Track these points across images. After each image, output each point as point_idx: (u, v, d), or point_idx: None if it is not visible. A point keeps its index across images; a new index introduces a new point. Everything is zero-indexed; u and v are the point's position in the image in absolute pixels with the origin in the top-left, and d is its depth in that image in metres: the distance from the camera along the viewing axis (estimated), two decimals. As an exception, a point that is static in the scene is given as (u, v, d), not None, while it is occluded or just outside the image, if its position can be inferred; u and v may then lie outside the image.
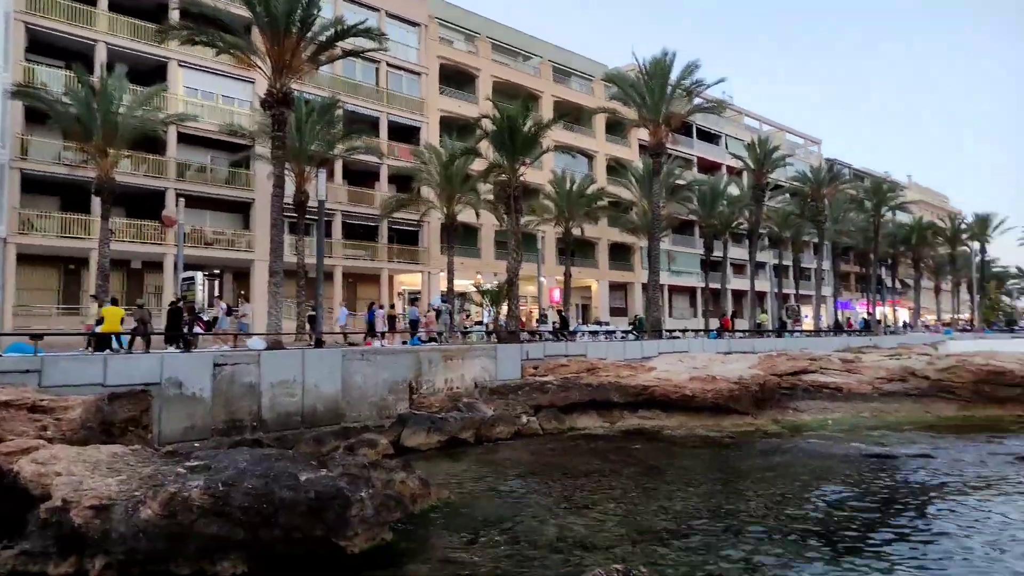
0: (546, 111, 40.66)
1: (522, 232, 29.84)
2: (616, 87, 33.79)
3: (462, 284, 36.96)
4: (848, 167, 70.22)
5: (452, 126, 38.11)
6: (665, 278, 46.79)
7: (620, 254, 48.76)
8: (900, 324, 65.75)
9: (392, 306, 31.02)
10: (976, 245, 69.09)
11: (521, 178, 28.67)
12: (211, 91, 31.13)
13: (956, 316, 71.20)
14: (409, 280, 38.98)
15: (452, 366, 21.29)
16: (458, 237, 33.05)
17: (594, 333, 32.93)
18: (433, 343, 24.12)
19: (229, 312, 21.90)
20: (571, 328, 32.58)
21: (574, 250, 40.21)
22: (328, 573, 9.02)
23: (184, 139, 29.77)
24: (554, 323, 32.26)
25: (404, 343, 23.84)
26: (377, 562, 9.18)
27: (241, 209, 32.19)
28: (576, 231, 38.32)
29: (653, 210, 33.98)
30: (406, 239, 37.42)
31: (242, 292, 28.49)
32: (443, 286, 32.52)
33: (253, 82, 29.88)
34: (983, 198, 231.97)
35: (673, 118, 32.38)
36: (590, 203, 38.30)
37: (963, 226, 69.24)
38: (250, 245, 30.78)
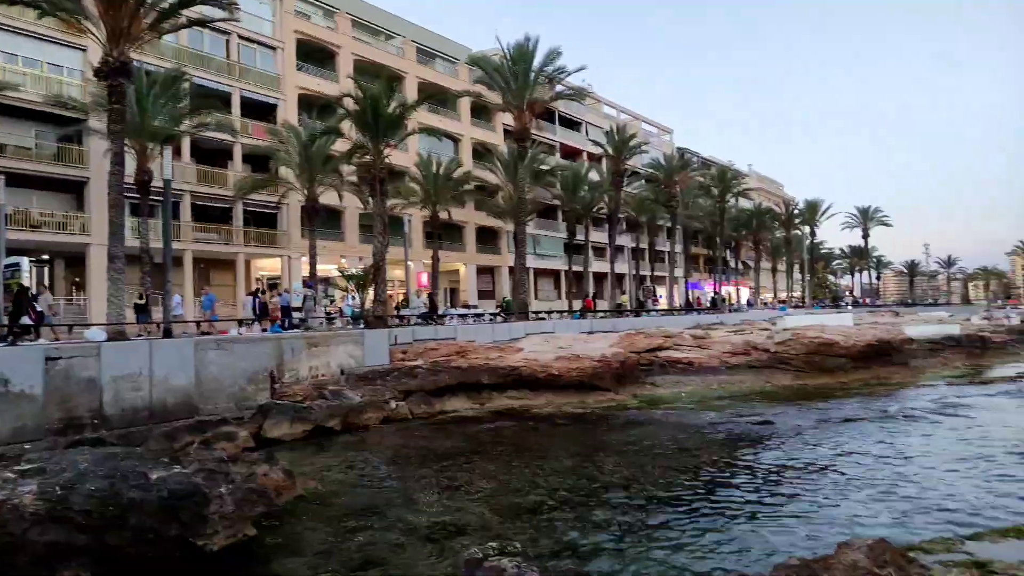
0: (410, 92, 40.00)
1: (388, 215, 29.25)
2: (481, 71, 33.84)
3: (325, 269, 35.74)
4: (697, 156, 74.80)
5: (312, 105, 36.57)
6: (531, 261, 47.73)
7: (487, 238, 49.14)
8: (743, 302, 71.13)
9: (263, 292, 29.44)
10: (807, 229, 76.17)
11: (386, 160, 28.05)
12: (35, 58, 27.89)
13: (790, 294, 78.12)
14: (268, 265, 37.15)
15: (317, 353, 20.56)
16: (320, 220, 31.87)
17: (463, 316, 33.02)
18: (296, 330, 23.17)
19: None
20: (440, 312, 32.47)
21: (441, 234, 40.00)
22: (185, 573, 8.44)
23: (3, 111, 26.52)
24: (423, 306, 31.98)
25: (264, 331, 22.73)
26: (239, 559, 8.72)
27: (74, 189, 29.13)
28: (443, 215, 38.10)
29: (519, 194, 34.48)
30: (264, 222, 35.54)
31: (76, 280, 25.92)
32: (305, 271, 31.29)
33: (85, 50, 27.11)
34: (811, 186, 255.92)
35: (537, 104, 32.93)
36: (457, 187, 38.22)
37: (796, 212, 75.94)
38: (85, 228, 27.99)
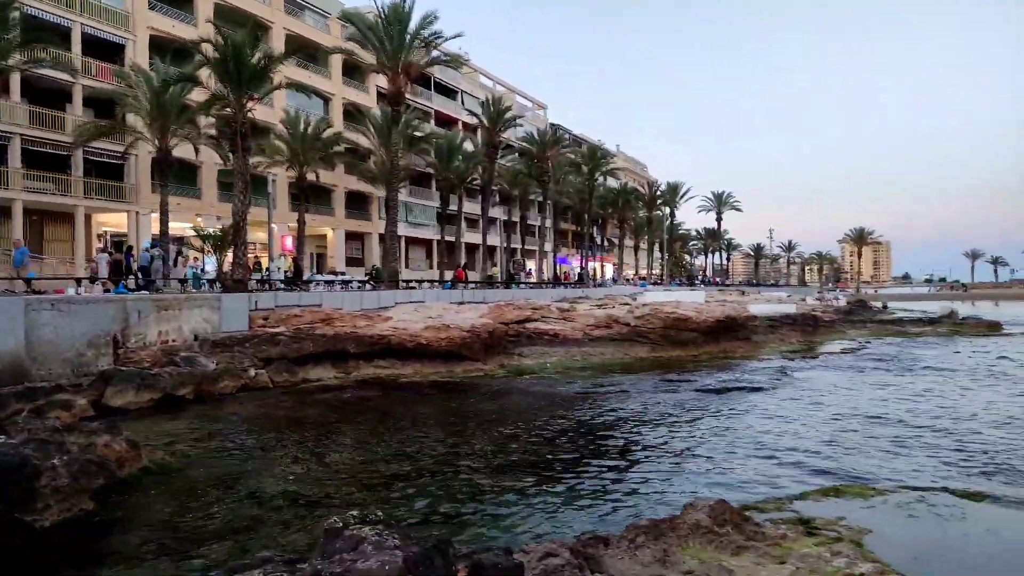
0: (277, 44, 37.76)
1: (251, 173, 27.65)
2: (354, 28, 32.48)
3: (179, 227, 33.36)
4: (569, 133, 76.35)
5: (166, 48, 33.58)
6: (403, 229, 46.98)
7: (358, 203, 47.78)
8: (608, 278, 74.09)
9: (119, 250, 27.00)
10: (668, 210, 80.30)
11: (249, 114, 26.41)
12: None
13: (651, 271, 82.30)
14: (113, 220, 34.14)
15: (168, 317, 19.20)
16: (174, 174, 29.58)
17: (330, 283, 32.02)
18: (144, 291, 21.52)
19: None
20: (305, 277, 31.31)
21: (309, 196, 38.41)
22: (10, 552, 7.65)
23: None
24: (286, 272, 30.69)
25: (107, 291, 20.91)
26: (74, 534, 8.04)
27: None
28: (311, 176, 36.58)
29: (392, 160, 33.70)
30: (108, 173, 32.43)
31: None
32: (155, 229, 29.03)
33: None
34: (673, 170, 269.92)
35: (412, 67, 32.16)
36: (326, 147, 36.77)
37: (659, 193, 79.76)
38: None
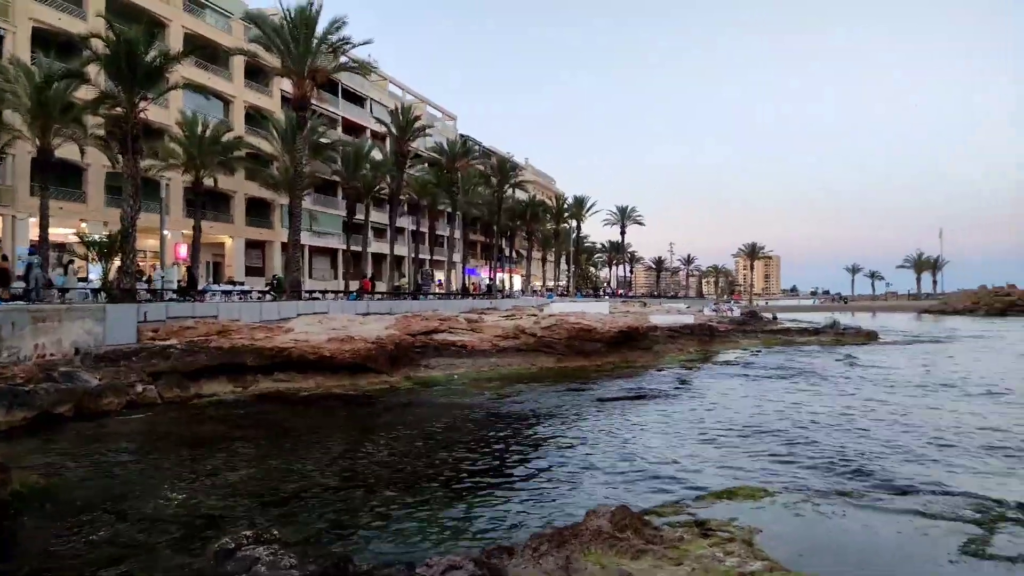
0: (175, 43, 36.11)
1: (142, 177, 26.22)
2: (258, 29, 31.46)
3: (61, 233, 31.17)
4: (479, 144, 76.79)
5: (50, 41, 31.53)
6: (306, 238, 45.76)
7: (259, 210, 46.14)
8: (516, 289, 74.69)
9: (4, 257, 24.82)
10: (574, 223, 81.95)
11: (142, 115, 25.07)
12: None
13: (557, 283, 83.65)
14: (-16, 225, 31.48)
15: (45, 329, 17.85)
16: (56, 177, 27.66)
17: (227, 293, 30.69)
18: (18, 301, 19.92)
19: None
20: (200, 287, 29.89)
21: (206, 202, 36.80)
22: None
23: None
24: (179, 281, 29.19)
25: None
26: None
27: None
28: (209, 181, 35.02)
29: (296, 166, 32.73)
30: (-20, 173, 29.95)
31: None
32: (34, 234, 26.97)
33: None
34: (580, 184, 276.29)
35: (319, 73, 31.40)
36: (226, 152, 35.35)
37: (566, 206, 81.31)
38: None
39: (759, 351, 37.28)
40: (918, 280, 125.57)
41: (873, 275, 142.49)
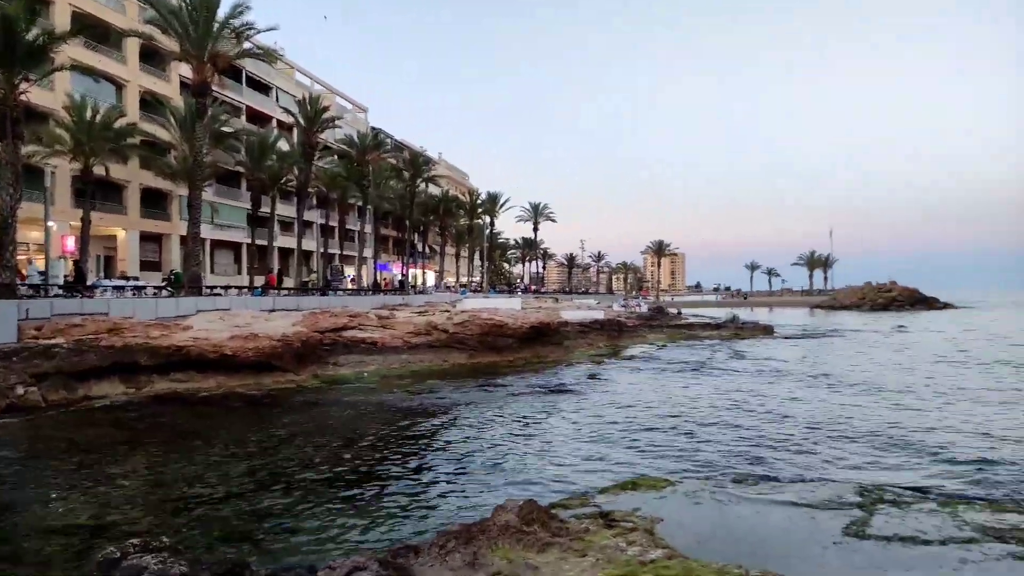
0: (61, 20, 33.68)
1: (24, 164, 24.35)
2: (154, 10, 29.77)
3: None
4: (391, 137, 75.68)
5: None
6: (207, 231, 43.77)
7: (154, 201, 43.71)
8: (429, 285, 74.18)
9: None
10: (488, 219, 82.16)
11: (23, 97, 23.28)
12: None
13: (471, 279, 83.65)
14: None
15: (-93, 328, 16.31)
16: (-79, 161, 25.23)
17: (119, 288, 28.96)
18: None
19: None
20: (90, 282, 28.08)
21: (96, 192, 34.59)
22: None
23: None
24: (66, 276, 27.31)
25: None
26: None
27: None
28: (99, 170, 32.95)
29: (195, 155, 31.22)
30: None
31: None
32: None
33: None
34: (494, 180, 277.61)
35: (220, 58, 30.03)
36: (118, 139, 33.36)
37: (479, 202, 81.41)
38: None
39: (664, 345, 38.56)
40: (810, 277, 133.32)
41: (770, 272, 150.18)
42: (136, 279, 34.87)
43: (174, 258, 43.15)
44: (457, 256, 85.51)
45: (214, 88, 32.95)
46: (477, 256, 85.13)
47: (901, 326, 54.48)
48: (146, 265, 42.60)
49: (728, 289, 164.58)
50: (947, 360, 29.51)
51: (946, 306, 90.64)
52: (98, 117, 32.01)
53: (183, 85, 42.42)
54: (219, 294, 31.91)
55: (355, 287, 50.05)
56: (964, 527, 8.16)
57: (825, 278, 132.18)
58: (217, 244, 49.89)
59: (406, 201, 61.04)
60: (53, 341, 18.99)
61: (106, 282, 31.20)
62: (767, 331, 47.09)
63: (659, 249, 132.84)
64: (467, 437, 14.58)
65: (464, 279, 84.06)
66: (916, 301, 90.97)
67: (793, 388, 21.65)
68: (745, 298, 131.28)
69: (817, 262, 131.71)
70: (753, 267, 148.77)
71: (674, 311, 61.32)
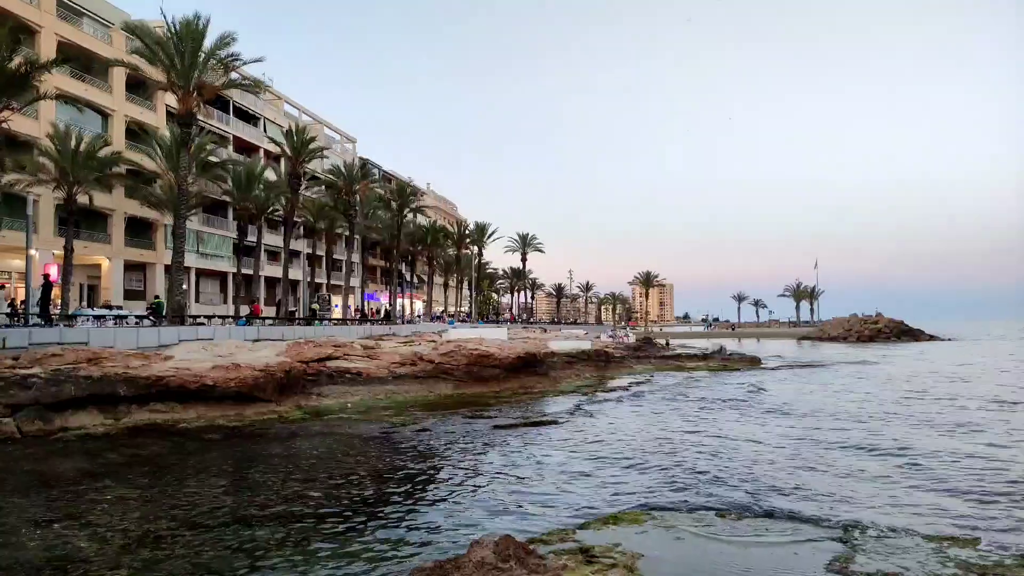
0: (47, 50, 33.81)
1: (7, 192, 24.22)
2: (140, 41, 29.93)
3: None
4: (379, 168, 76.10)
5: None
6: (193, 260, 43.64)
7: (139, 230, 43.54)
8: (417, 315, 73.92)
9: None
10: (476, 249, 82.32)
11: (5, 125, 23.23)
12: None
13: (459, 308, 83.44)
14: None
15: None
16: (-98, 189, 25.08)
17: (99, 318, 28.62)
18: None
19: None
20: (70, 312, 27.74)
21: (80, 221, 34.41)
22: None
23: None
24: (37, 303, 26.85)
25: None
26: None
27: None
28: (83, 198, 32.79)
29: (180, 185, 31.17)
30: None
31: None
32: None
33: None
34: (483, 211, 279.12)
35: (206, 88, 30.17)
36: (103, 168, 33.26)
37: (467, 232, 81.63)
38: None
39: (651, 376, 38.43)
40: (797, 308, 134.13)
41: (757, 303, 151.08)
42: (120, 308, 34.51)
43: (159, 287, 42.84)
44: (445, 286, 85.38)
45: (201, 118, 33.09)
46: (466, 286, 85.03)
47: (884, 355, 54.71)
48: (130, 294, 42.28)
49: (717, 320, 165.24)
50: (925, 395, 29.59)
51: (932, 338, 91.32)
52: (83, 146, 31.94)
53: (170, 115, 42.55)
54: (203, 323, 31.58)
55: (335, 316, 49.75)
56: (948, 564, 8.07)
57: (811, 309, 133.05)
58: (203, 273, 49.63)
59: (394, 231, 61.06)
60: (30, 371, 18.65)
61: (87, 311, 30.84)
62: (754, 362, 47.06)
63: (647, 280, 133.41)
64: (447, 470, 14.36)
65: (452, 309, 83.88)
66: (902, 333, 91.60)
67: (779, 421, 21.57)
68: (733, 329, 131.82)
69: (803, 293, 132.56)
70: (740, 298, 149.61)
71: (662, 342, 61.31)
